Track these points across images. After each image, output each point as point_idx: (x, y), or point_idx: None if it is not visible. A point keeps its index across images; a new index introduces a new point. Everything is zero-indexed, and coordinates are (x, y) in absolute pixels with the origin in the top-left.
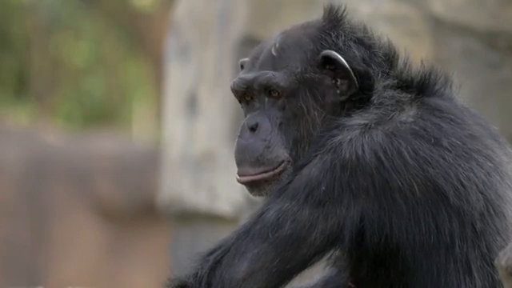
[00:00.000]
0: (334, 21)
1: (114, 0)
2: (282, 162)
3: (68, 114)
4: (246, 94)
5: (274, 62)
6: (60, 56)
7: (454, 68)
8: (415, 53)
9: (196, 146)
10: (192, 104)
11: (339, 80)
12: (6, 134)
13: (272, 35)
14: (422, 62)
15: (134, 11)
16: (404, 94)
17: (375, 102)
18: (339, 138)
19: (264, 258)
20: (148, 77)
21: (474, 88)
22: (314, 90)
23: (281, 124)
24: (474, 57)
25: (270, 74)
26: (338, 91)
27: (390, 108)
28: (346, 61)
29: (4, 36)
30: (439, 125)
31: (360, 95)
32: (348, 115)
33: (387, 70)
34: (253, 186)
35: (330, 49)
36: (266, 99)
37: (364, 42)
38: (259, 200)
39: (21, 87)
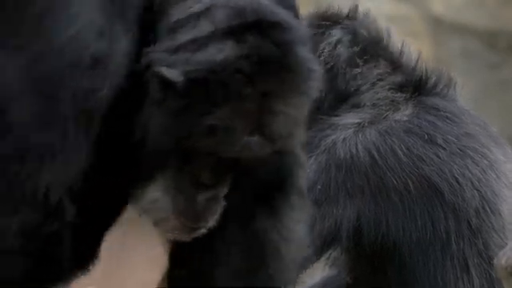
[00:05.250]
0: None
1: None
2: None
3: None
4: None
5: None
6: None
7: (454, 68)
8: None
9: None
10: None
11: None
12: None
13: None
14: (424, 62)
15: None
16: (399, 94)
17: (368, 103)
18: (333, 137)
19: None
20: None
21: (474, 88)
22: None
23: None
24: (473, 57)
25: None
26: None
27: (384, 108)
28: (328, 58)
29: None
30: (434, 123)
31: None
32: (327, 113)
33: (387, 70)
34: None
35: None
36: None
37: (361, 44)
38: None
39: None
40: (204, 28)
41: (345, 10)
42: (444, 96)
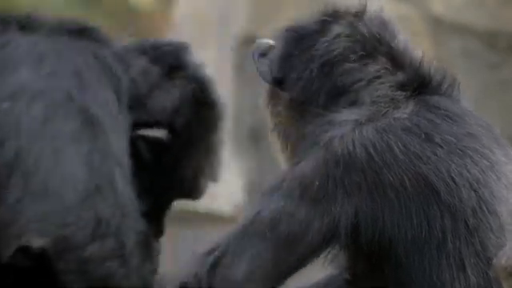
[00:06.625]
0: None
1: (114, 0)
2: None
3: None
4: None
5: None
6: None
7: (454, 68)
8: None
9: None
10: None
11: None
12: None
13: None
14: (429, 61)
15: (134, 11)
16: (399, 92)
17: (367, 101)
18: (330, 134)
19: (263, 258)
20: None
21: (474, 88)
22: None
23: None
24: (473, 57)
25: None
26: None
27: (383, 105)
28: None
29: None
30: (434, 121)
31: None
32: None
33: (387, 70)
34: None
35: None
36: None
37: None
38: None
39: None
40: (150, 73)
41: (352, 9)
42: (448, 96)
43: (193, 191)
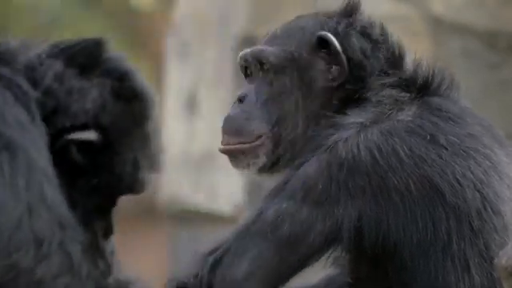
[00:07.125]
0: (346, 11)
1: (114, 0)
2: (260, 136)
3: None
4: (246, 68)
5: (273, 39)
6: None
7: (454, 68)
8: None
9: (196, 146)
10: (192, 104)
11: (333, 66)
12: None
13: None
14: (429, 62)
15: (134, 11)
16: (403, 94)
17: (373, 100)
18: (335, 137)
19: (264, 258)
20: (148, 77)
21: (474, 88)
22: (303, 70)
23: (267, 100)
24: (473, 57)
25: (263, 47)
26: (330, 76)
27: (387, 107)
28: (341, 46)
29: (4, 36)
30: (437, 123)
31: (352, 85)
32: (337, 106)
33: (390, 69)
34: (230, 156)
35: (329, 32)
36: (260, 73)
37: (370, 36)
38: (259, 199)
39: None
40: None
41: (356, 3)
42: (447, 97)
43: (134, 186)
